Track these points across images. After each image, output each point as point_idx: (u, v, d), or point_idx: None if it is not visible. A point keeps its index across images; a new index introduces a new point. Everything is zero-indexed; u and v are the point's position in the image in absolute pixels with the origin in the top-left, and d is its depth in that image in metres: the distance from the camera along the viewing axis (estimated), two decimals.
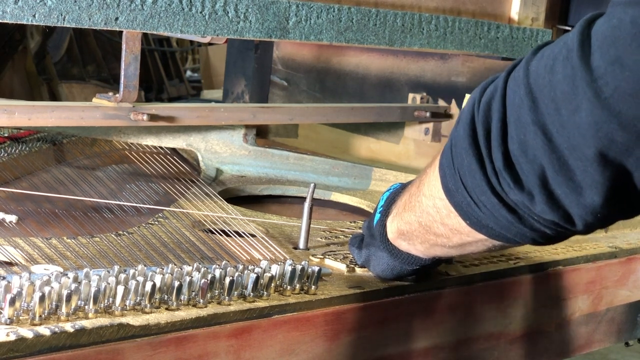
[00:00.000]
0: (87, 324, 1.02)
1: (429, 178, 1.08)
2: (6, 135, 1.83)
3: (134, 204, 1.58)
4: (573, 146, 0.86)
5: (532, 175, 0.90)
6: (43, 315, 1.01)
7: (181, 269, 1.16)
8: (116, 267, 1.13)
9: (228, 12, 1.65)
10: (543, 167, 0.89)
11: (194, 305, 1.13)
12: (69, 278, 1.07)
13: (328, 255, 1.41)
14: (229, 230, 1.48)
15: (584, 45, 0.85)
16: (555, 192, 0.89)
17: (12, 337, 0.96)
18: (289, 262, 1.25)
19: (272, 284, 1.21)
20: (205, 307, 1.13)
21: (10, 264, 1.23)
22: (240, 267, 1.20)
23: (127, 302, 1.08)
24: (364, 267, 1.34)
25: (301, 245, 1.46)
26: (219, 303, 1.15)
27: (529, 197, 0.92)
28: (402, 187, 1.26)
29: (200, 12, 1.62)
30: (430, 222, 1.10)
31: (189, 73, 7.31)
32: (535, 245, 1.03)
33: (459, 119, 1.00)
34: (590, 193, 0.87)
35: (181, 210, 1.56)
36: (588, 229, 0.93)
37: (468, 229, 1.03)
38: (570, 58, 0.85)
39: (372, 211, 1.84)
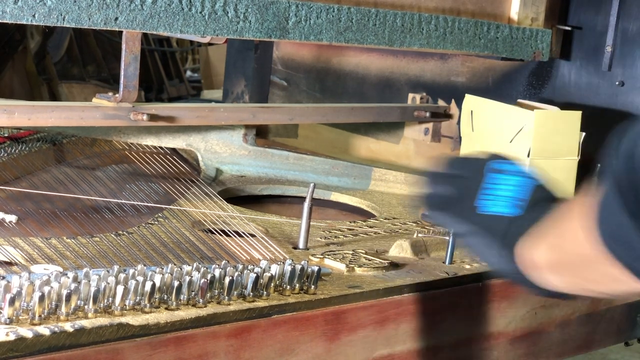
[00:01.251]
0: (86, 323, 1.02)
1: (573, 230, 0.99)
2: (6, 135, 1.83)
3: (134, 202, 1.58)
4: None
5: None
6: (43, 315, 1.01)
7: (181, 269, 1.16)
8: (116, 267, 1.13)
9: (228, 12, 1.65)
10: None
11: (194, 305, 1.13)
12: (68, 278, 1.07)
13: (328, 255, 1.41)
14: (228, 230, 1.48)
15: None
16: None
17: (12, 337, 0.96)
18: (288, 261, 1.25)
19: (272, 284, 1.21)
20: (205, 306, 1.13)
21: (10, 263, 1.23)
22: (240, 267, 1.20)
23: (127, 302, 1.08)
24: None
25: (301, 245, 1.46)
26: (218, 303, 1.15)
27: None
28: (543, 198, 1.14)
29: (200, 12, 1.62)
30: (585, 277, 1.02)
31: (189, 73, 7.31)
32: None
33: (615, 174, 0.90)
34: None
35: (181, 208, 1.56)
36: None
37: (634, 280, 0.96)
38: None
39: (371, 211, 1.85)
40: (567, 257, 1.04)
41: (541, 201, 1.15)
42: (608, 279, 0.99)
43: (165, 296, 1.11)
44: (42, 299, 1.01)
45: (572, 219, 1.02)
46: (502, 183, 1.19)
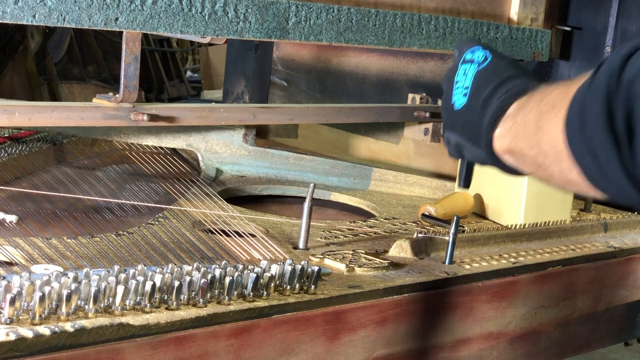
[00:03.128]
0: (87, 323, 1.02)
1: (553, 123, 1.00)
2: (6, 135, 1.83)
3: (134, 203, 1.58)
4: None
5: None
6: (43, 315, 1.01)
7: (181, 269, 1.16)
8: (116, 267, 1.14)
9: (228, 13, 1.66)
10: None
11: (194, 305, 1.13)
12: (69, 278, 1.07)
13: (328, 255, 1.42)
14: (228, 230, 1.49)
15: None
16: None
17: (12, 337, 0.96)
18: (288, 261, 1.25)
19: (272, 284, 1.21)
20: (205, 306, 1.13)
21: (10, 263, 1.23)
22: (240, 266, 1.21)
23: (127, 302, 1.08)
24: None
25: (301, 245, 1.46)
26: (218, 303, 1.15)
27: None
28: (500, 81, 1.16)
29: (200, 13, 1.62)
30: (546, 166, 1.04)
31: (189, 73, 7.31)
32: None
33: (593, 83, 0.92)
34: None
35: (181, 208, 1.57)
36: None
37: (588, 186, 0.98)
38: None
39: (371, 211, 1.85)
40: (535, 155, 1.06)
41: (510, 79, 1.16)
42: (570, 182, 1.00)
43: (166, 296, 1.11)
44: (42, 299, 1.01)
45: (541, 114, 1.04)
46: (464, 73, 1.21)
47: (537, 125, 1.05)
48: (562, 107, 0.98)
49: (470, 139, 1.19)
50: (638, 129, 0.87)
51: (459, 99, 1.20)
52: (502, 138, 1.13)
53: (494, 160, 1.16)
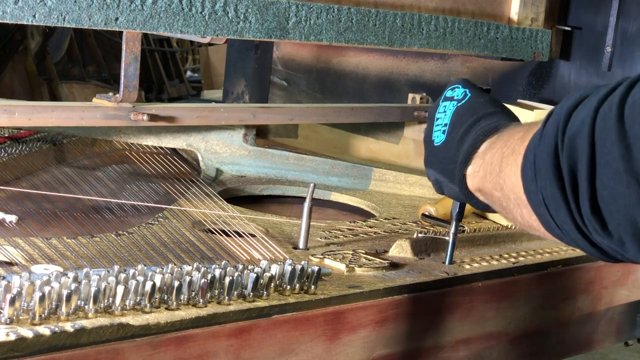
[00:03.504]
0: (87, 323, 1.02)
1: (512, 170, 1.02)
2: (6, 135, 1.83)
3: (134, 203, 1.58)
4: None
5: (624, 223, 0.85)
6: (43, 315, 1.01)
7: (181, 269, 1.16)
8: (116, 267, 1.14)
9: (228, 13, 1.66)
10: (636, 218, 0.84)
11: (194, 305, 1.13)
12: (69, 278, 1.07)
13: (328, 255, 1.42)
14: (229, 230, 1.49)
15: None
16: None
17: (12, 337, 0.96)
18: (288, 262, 1.25)
19: (272, 284, 1.21)
20: (205, 306, 1.13)
21: (10, 263, 1.23)
22: (240, 267, 1.21)
23: (127, 302, 1.08)
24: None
25: (301, 245, 1.46)
26: (218, 303, 1.15)
27: (619, 243, 0.88)
28: (475, 119, 1.19)
29: (200, 13, 1.62)
30: (510, 209, 1.06)
31: (189, 73, 7.31)
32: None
33: (543, 134, 0.94)
34: None
35: (181, 208, 1.57)
36: None
37: (547, 233, 1.00)
38: None
39: (371, 211, 1.85)
40: (500, 197, 1.08)
41: (485, 117, 1.19)
42: (532, 228, 1.02)
43: (166, 296, 1.11)
44: (42, 299, 1.01)
45: (504, 158, 1.06)
46: (444, 110, 1.23)
47: (500, 168, 1.07)
48: (519, 154, 1.00)
49: (447, 176, 1.22)
50: (581, 183, 0.88)
51: (438, 136, 1.24)
52: (473, 176, 1.16)
53: (468, 197, 1.20)
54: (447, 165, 1.21)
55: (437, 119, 1.25)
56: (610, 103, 0.87)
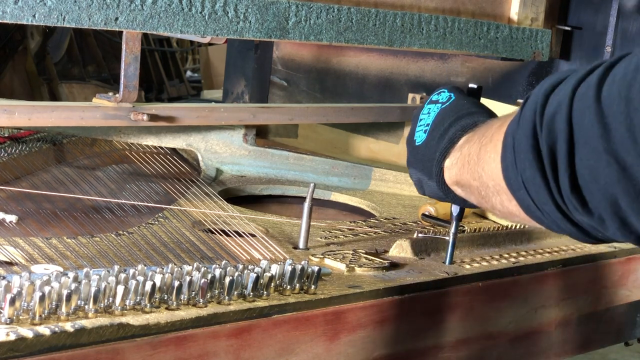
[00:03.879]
0: (87, 323, 1.02)
1: (491, 156, 1.04)
2: (6, 135, 1.83)
3: (134, 202, 1.58)
4: None
5: (604, 202, 0.86)
6: (43, 315, 1.01)
7: (181, 269, 1.16)
8: (116, 267, 1.14)
9: (228, 13, 1.66)
10: (615, 195, 0.85)
11: (194, 305, 1.13)
12: (69, 278, 1.07)
13: (328, 255, 1.42)
14: (229, 230, 1.49)
15: None
16: (629, 219, 0.86)
17: (12, 337, 0.96)
18: (288, 261, 1.25)
19: (272, 284, 1.21)
20: (205, 306, 1.13)
21: (10, 263, 1.23)
22: (240, 266, 1.21)
23: (127, 302, 1.08)
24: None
25: (301, 245, 1.46)
26: (218, 303, 1.15)
27: (599, 221, 0.89)
28: (456, 117, 1.21)
29: (200, 13, 1.62)
30: (489, 197, 1.07)
31: (189, 73, 7.31)
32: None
33: (521, 118, 0.95)
34: None
35: (181, 208, 1.57)
36: None
37: (527, 218, 1.01)
38: None
39: (371, 211, 1.85)
40: (478, 186, 1.10)
41: (466, 116, 1.22)
42: (511, 214, 1.03)
43: (166, 296, 1.11)
44: (42, 298, 1.01)
45: (483, 146, 1.08)
46: (428, 112, 1.26)
47: (478, 157, 1.09)
48: (498, 141, 1.02)
49: (427, 174, 1.24)
50: (560, 162, 0.90)
51: (419, 136, 1.26)
52: (450, 169, 1.19)
53: (446, 192, 1.22)
54: (427, 163, 1.23)
55: (420, 119, 1.28)
56: (588, 84, 0.88)
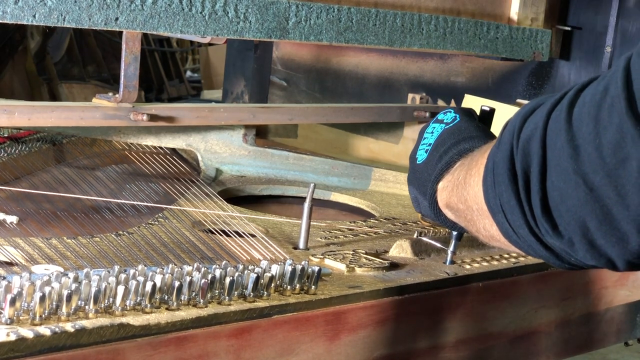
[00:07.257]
0: (87, 324, 1.02)
1: (475, 180, 1.05)
2: (6, 135, 1.83)
3: (134, 203, 1.58)
4: (620, 195, 0.82)
5: (573, 224, 0.87)
6: (43, 315, 1.01)
7: (181, 269, 1.16)
8: (116, 267, 1.14)
9: (228, 13, 1.66)
10: (584, 217, 0.86)
11: (194, 305, 1.13)
12: (69, 278, 1.07)
13: (328, 255, 1.42)
14: (229, 231, 1.49)
15: (629, 90, 0.82)
16: (597, 241, 0.86)
17: (13, 337, 0.96)
18: (289, 262, 1.25)
19: (272, 284, 1.21)
20: (206, 307, 1.13)
21: (10, 264, 1.23)
22: (240, 267, 1.21)
23: (128, 302, 1.08)
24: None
25: (301, 245, 1.46)
26: (219, 303, 1.15)
27: (569, 244, 0.89)
28: (456, 141, 1.22)
29: (200, 13, 1.62)
30: (474, 220, 1.08)
31: (189, 73, 7.31)
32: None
33: (500, 142, 0.97)
34: (638, 239, 0.84)
35: (181, 208, 1.57)
36: (631, 269, 0.91)
37: (507, 242, 1.02)
38: (615, 105, 0.83)
39: (371, 211, 1.85)
40: (465, 210, 1.10)
41: (467, 140, 1.22)
42: (493, 238, 1.05)
43: (166, 296, 1.11)
44: (42, 299, 1.01)
45: (469, 172, 1.09)
46: (432, 131, 1.26)
47: (465, 181, 1.10)
48: (482, 164, 1.03)
49: (422, 193, 1.25)
50: (533, 184, 0.90)
51: (421, 155, 1.27)
52: (442, 192, 1.19)
53: (437, 214, 1.23)
54: (423, 182, 1.24)
55: (424, 138, 1.28)
56: (561, 106, 0.89)
